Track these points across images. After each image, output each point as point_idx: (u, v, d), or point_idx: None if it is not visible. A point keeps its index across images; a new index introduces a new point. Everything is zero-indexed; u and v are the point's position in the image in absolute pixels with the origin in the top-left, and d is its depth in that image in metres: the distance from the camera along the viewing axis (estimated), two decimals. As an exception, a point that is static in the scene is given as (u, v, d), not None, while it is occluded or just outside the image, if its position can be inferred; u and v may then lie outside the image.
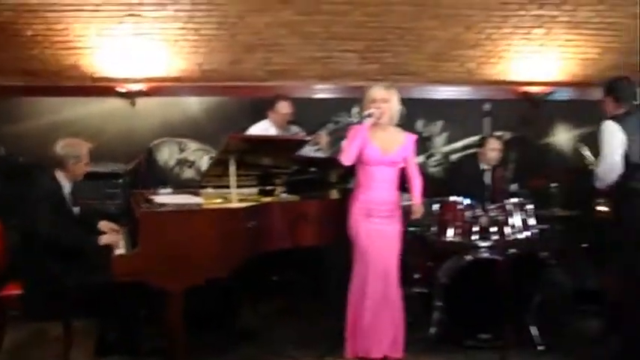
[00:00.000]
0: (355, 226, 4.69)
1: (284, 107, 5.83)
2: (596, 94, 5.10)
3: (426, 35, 6.29)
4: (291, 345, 5.08)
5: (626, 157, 4.38)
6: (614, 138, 4.37)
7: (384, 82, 5.57)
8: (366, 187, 4.68)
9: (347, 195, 5.01)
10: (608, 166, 4.40)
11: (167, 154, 6.60)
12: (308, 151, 5.66)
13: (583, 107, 4.92)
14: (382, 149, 4.66)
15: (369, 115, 4.60)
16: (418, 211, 4.80)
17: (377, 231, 4.65)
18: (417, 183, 4.83)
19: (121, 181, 5.89)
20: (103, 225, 4.66)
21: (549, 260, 5.32)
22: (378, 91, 4.70)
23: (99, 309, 4.69)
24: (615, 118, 4.44)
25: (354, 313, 4.72)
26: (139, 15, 5.89)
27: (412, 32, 6.26)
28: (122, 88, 6.41)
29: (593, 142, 5.15)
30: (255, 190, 5.13)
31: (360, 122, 4.65)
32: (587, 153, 5.06)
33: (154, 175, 6.25)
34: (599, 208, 5.14)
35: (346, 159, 4.61)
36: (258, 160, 4.94)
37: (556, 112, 6.66)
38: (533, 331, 5.11)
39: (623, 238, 4.47)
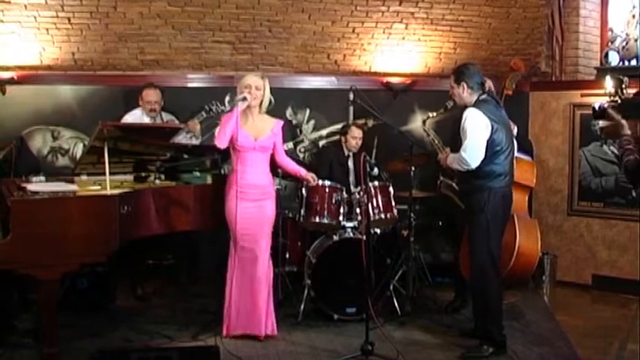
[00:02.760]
0: (230, 209, 4.87)
1: (149, 95, 5.87)
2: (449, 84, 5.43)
3: (294, 28, 6.46)
4: (166, 326, 5.17)
5: (492, 143, 4.52)
6: (478, 124, 4.49)
7: (255, 72, 5.78)
8: (239, 172, 4.84)
9: (220, 180, 5.19)
10: (474, 151, 4.49)
11: (40, 142, 6.46)
12: (182, 138, 5.75)
13: (438, 97, 5.27)
14: (253, 136, 4.86)
15: (243, 99, 4.78)
16: (313, 177, 5.11)
17: (250, 214, 4.85)
18: (291, 163, 5.10)
19: (-9, 169, 5.73)
20: None
21: (409, 237, 5.70)
22: (252, 79, 4.90)
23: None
24: (476, 105, 4.58)
25: (229, 293, 4.90)
26: (7, 1, 5.76)
27: (281, 25, 6.42)
28: (-9, 76, 6.22)
29: (441, 127, 5.56)
30: (128, 176, 5.15)
31: (232, 109, 4.81)
32: (432, 134, 5.32)
33: (27, 164, 6.10)
34: (443, 191, 5.49)
35: (220, 142, 4.78)
36: (133, 148, 4.96)
37: (414, 101, 7.00)
38: (394, 302, 5.48)
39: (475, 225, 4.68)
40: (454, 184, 5.17)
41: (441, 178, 5.39)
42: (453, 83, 4.72)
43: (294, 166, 5.21)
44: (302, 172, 5.20)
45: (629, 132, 3.84)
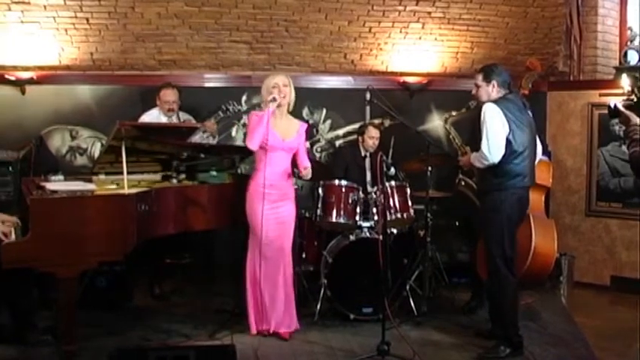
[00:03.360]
0: (252, 209, 4.87)
1: (167, 95, 5.89)
2: (467, 84, 5.37)
3: (311, 28, 6.47)
4: (183, 324, 5.19)
5: (510, 143, 4.50)
6: (494, 118, 4.47)
7: (271, 71, 5.78)
8: (263, 172, 4.82)
9: (238, 180, 5.20)
10: (494, 146, 4.46)
11: (59, 142, 6.51)
12: (199, 138, 5.80)
13: (455, 97, 5.23)
14: (282, 136, 4.86)
15: (273, 100, 4.78)
16: (308, 173, 5.00)
17: (273, 214, 4.85)
18: (307, 166, 5.03)
19: (11, 168, 5.78)
20: None
21: (425, 237, 5.68)
22: (278, 78, 4.91)
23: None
24: (494, 102, 4.56)
25: (254, 292, 4.93)
26: (27, 2, 5.80)
27: (298, 24, 6.42)
28: (11, 76, 6.27)
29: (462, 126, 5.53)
30: (146, 176, 5.18)
31: (252, 109, 4.81)
32: (454, 133, 5.29)
33: (46, 163, 6.14)
34: (461, 189, 5.44)
35: (253, 144, 4.78)
36: (150, 147, 4.98)
37: (431, 100, 7.00)
38: (411, 302, 5.47)
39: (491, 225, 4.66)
40: (473, 183, 5.14)
41: (460, 176, 5.35)
42: (482, 82, 4.69)
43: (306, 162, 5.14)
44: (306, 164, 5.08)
45: (637, 120, 3.81)
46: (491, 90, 4.66)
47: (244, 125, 6.58)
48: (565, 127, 6.89)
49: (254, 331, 4.95)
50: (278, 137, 4.84)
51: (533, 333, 5.13)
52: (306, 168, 5.00)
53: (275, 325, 4.96)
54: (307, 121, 6.68)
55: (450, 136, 5.32)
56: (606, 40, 6.90)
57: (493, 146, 4.48)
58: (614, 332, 5.29)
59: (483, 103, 4.67)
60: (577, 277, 6.69)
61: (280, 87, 4.86)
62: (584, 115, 6.74)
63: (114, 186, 4.84)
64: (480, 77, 4.72)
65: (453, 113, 5.35)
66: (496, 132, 4.48)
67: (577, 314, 5.74)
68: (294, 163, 5.05)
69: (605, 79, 6.77)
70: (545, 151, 5.83)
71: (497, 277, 4.65)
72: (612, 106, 3.91)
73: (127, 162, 4.54)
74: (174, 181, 5.23)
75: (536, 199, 5.13)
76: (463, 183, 5.35)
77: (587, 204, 6.75)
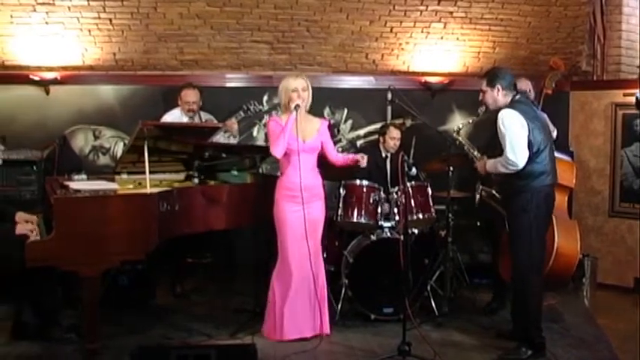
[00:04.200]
0: (281, 212, 4.87)
1: (188, 95, 5.92)
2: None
3: (332, 28, 6.47)
4: (204, 323, 5.21)
5: (530, 143, 4.48)
6: (514, 123, 4.45)
7: (292, 72, 5.77)
8: (289, 175, 4.84)
9: (259, 179, 5.21)
10: (519, 150, 4.43)
11: (82, 141, 6.57)
12: (220, 137, 5.82)
13: (476, 97, 5.20)
14: (302, 137, 4.83)
15: (296, 107, 4.76)
16: (363, 157, 5.05)
17: (302, 216, 4.82)
18: (340, 156, 5.09)
19: (35, 168, 5.84)
20: (19, 216, 4.61)
21: (446, 238, 5.64)
22: (298, 81, 4.87)
23: (14, 293, 4.76)
24: (510, 106, 4.54)
25: (279, 296, 4.89)
26: (52, 4, 5.87)
27: (319, 24, 6.42)
28: (35, 76, 6.34)
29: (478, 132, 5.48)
30: (168, 175, 5.21)
31: (273, 109, 4.80)
32: (466, 143, 5.23)
33: (69, 162, 6.19)
34: (487, 200, 5.35)
35: (278, 152, 4.78)
36: (172, 147, 5.01)
37: (452, 101, 6.97)
38: (432, 303, 5.45)
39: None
40: (494, 192, 5.10)
41: (481, 187, 5.30)
42: (486, 87, 4.68)
43: (345, 158, 5.19)
44: (351, 157, 5.17)
45: None
46: (497, 94, 4.63)
47: (265, 125, 6.60)
48: (588, 128, 6.83)
49: (266, 335, 4.93)
50: (297, 139, 4.81)
51: (556, 335, 5.09)
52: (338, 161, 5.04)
53: (307, 329, 4.91)
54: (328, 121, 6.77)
55: (466, 148, 5.24)
56: (630, 39, 6.82)
57: (518, 151, 4.46)
58: (638, 334, 5.20)
59: (490, 108, 4.68)
60: (600, 279, 6.61)
61: (300, 92, 4.83)
62: (607, 116, 6.67)
63: (135, 185, 4.88)
64: (483, 83, 4.71)
65: (463, 123, 5.30)
66: (518, 136, 4.46)
67: (600, 316, 5.69)
68: (327, 161, 5.05)
69: (630, 78, 6.68)
70: (567, 152, 5.79)
71: (524, 278, 4.61)
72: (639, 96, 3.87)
73: (148, 161, 4.56)
74: (196, 180, 5.25)
75: (559, 199, 5.09)
76: (484, 193, 5.29)
77: (610, 205, 6.69)
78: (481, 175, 5.03)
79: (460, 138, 5.29)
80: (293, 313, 4.89)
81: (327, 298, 5.05)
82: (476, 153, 5.13)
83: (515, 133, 4.46)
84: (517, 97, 4.66)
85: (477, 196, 5.28)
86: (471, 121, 5.31)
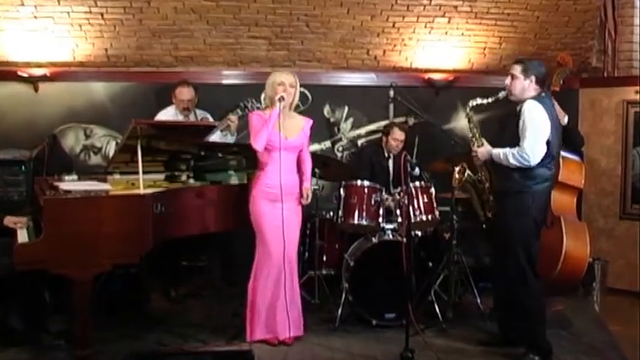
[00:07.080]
0: (257, 210, 4.80)
1: (183, 93, 5.85)
2: (495, 80, 5.18)
3: (332, 23, 6.38)
4: (200, 329, 5.14)
5: (549, 144, 4.42)
6: (540, 117, 4.40)
7: (291, 68, 5.68)
8: (268, 172, 4.78)
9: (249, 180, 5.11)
10: (537, 146, 4.38)
11: (73, 140, 6.51)
12: (216, 136, 5.70)
13: (482, 94, 5.06)
14: (284, 135, 4.76)
15: (281, 99, 4.69)
16: (308, 195, 4.94)
17: (279, 215, 4.73)
18: (308, 167, 4.99)
19: (23, 168, 5.78)
20: (8, 220, 4.56)
21: (451, 240, 5.56)
22: (285, 76, 4.84)
23: (1, 298, 4.66)
24: (536, 99, 4.47)
25: (257, 297, 4.84)
26: (41, -3, 5.80)
27: (319, 19, 6.33)
28: (24, 73, 6.26)
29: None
30: (163, 176, 5.16)
31: (258, 108, 4.75)
32: (474, 122, 4.94)
33: (60, 162, 6.13)
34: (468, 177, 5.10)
35: (259, 145, 4.70)
36: (166, 146, 4.96)
37: (457, 98, 6.86)
38: (436, 308, 5.33)
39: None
40: (479, 179, 4.92)
41: (467, 171, 5.03)
42: (520, 74, 4.53)
43: (307, 170, 5.01)
44: (305, 184, 4.96)
45: None
46: (528, 85, 4.52)
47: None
48: (598, 126, 6.73)
49: (249, 339, 4.84)
50: (280, 136, 4.73)
51: (565, 341, 4.99)
52: (306, 189, 4.92)
53: (281, 331, 4.85)
54: (328, 119, 6.75)
55: (470, 125, 4.96)
56: (643, 34, 6.75)
57: (536, 145, 4.37)
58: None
59: (514, 96, 4.54)
60: (610, 283, 6.49)
61: (287, 86, 4.77)
62: (618, 114, 6.57)
63: (128, 186, 4.82)
64: (518, 69, 4.55)
65: (479, 100, 4.98)
66: (541, 130, 4.39)
67: (611, 322, 5.58)
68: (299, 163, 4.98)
69: (642, 75, 6.62)
70: (577, 146, 5.65)
71: (525, 281, 4.54)
72: None
73: (142, 161, 4.51)
74: (191, 181, 5.20)
75: (567, 200, 5.03)
76: (468, 177, 5.00)
77: (621, 206, 6.59)
78: (477, 161, 4.84)
79: (470, 113, 4.96)
80: (269, 314, 4.85)
81: (298, 302, 4.96)
82: (478, 134, 4.87)
83: (539, 126, 4.38)
84: (543, 93, 4.57)
85: (457, 177, 5.06)
86: (490, 100, 5.00)
